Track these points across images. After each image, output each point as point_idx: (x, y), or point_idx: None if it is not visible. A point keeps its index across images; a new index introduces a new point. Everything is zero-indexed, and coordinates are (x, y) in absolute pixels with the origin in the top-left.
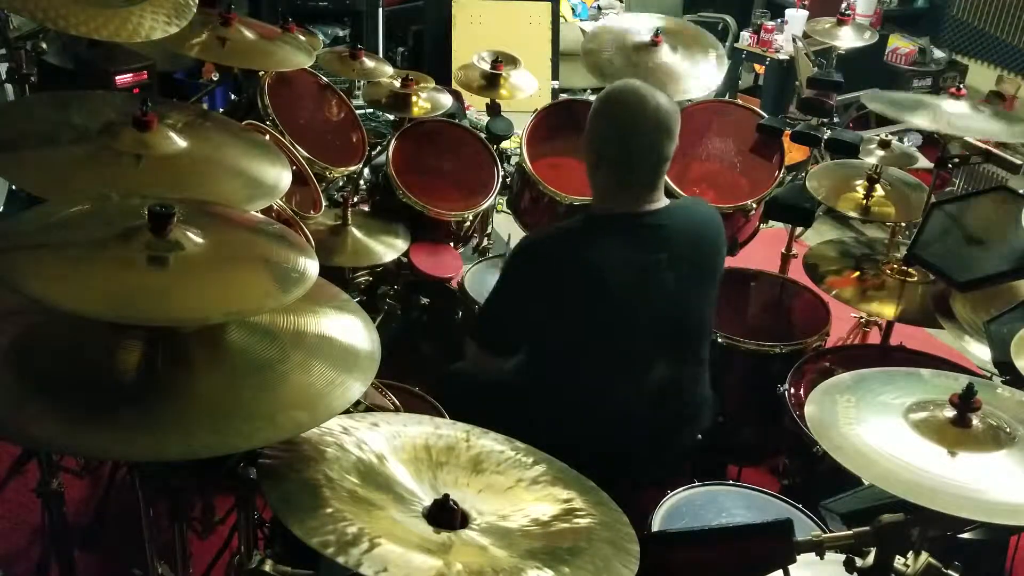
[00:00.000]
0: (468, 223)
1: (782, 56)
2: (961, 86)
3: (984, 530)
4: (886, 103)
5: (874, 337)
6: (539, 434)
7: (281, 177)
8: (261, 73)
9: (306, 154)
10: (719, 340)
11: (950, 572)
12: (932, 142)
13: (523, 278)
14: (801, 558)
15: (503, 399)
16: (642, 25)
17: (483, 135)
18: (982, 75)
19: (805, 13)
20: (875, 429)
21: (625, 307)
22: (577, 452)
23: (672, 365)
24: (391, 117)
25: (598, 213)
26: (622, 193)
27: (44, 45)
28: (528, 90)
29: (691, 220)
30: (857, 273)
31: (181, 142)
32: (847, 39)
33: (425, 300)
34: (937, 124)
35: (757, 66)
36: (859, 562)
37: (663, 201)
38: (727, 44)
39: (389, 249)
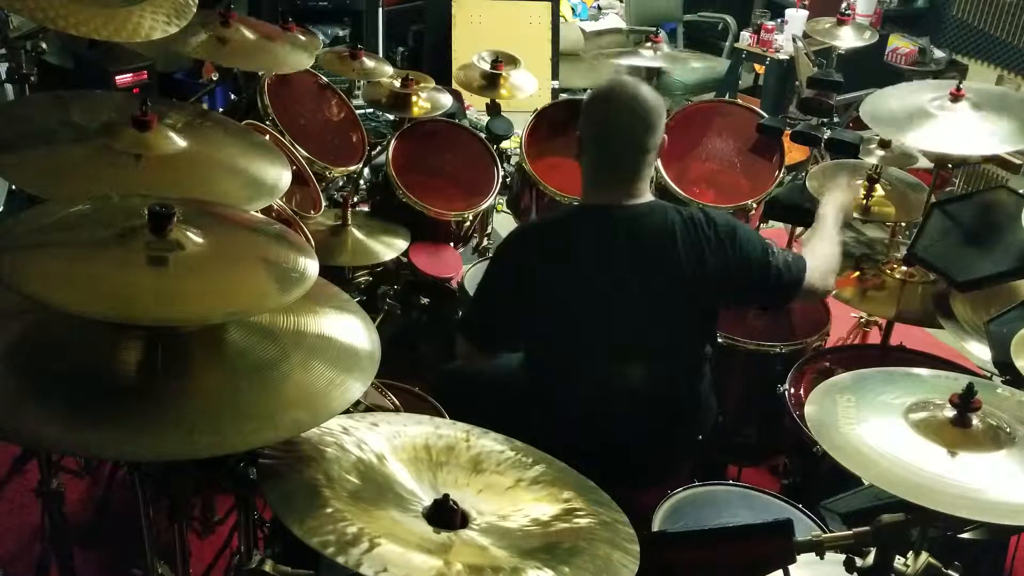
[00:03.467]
0: (468, 223)
1: (782, 56)
2: (961, 86)
3: (984, 530)
4: (885, 123)
5: (874, 337)
6: (536, 432)
7: (281, 177)
8: (261, 73)
9: (306, 154)
10: (719, 340)
11: (950, 572)
12: None
13: (501, 268)
14: (801, 558)
15: (501, 398)
16: None
17: (483, 135)
18: (982, 75)
19: (805, 13)
20: (875, 429)
21: (595, 301)
22: (567, 449)
23: (653, 363)
24: (391, 117)
25: (581, 204)
26: (602, 184)
27: (44, 45)
28: (528, 90)
29: (668, 220)
30: (857, 273)
31: (181, 142)
32: (847, 39)
33: (425, 300)
34: (935, 143)
35: (757, 66)
36: (859, 562)
37: (646, 197)
38: (727, 44)
39: (389, 249)
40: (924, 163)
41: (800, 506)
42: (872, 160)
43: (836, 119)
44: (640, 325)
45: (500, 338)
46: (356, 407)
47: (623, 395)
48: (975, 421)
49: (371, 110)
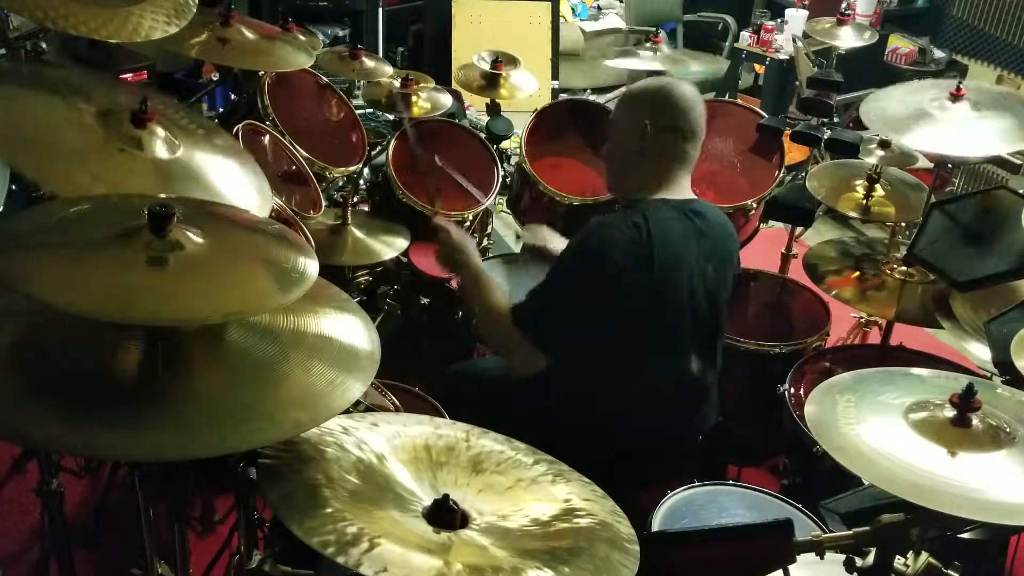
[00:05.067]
0: (468, 223)
1: (782, 56)
2: (961, 86)
3: (984, 530)
4: (885, 124)
5: (874, 337)
6: (542, 432)
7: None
8: (261, 73)
9: (306, 154)
10: None
11: (950, 572)
12: None
13: (588, 277)
14: (801, 558)
15: (504, 398)
16: None
17: (483, 135)
18: (982, 75)
19: (805, 13)
20: (875, 429)
21: (681, 302)
22: (585, 450)
23: (699, 362)
24: (391, 117)
25: (651, 200)
26: (673, 179)
27: (44, 45)
28: (528, 90)
29: (718, 214)
30: (857, 273)
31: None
32: (847, 39)
33: (425, 300)
34: (935, 144)
35: (757, 66)
36: (859, 562)
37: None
38: (727, 44)
39: (389, 249)
40: (924, 163)
41: (800, 506)
42: (872, 160)
43: (836, 119)
44: (703, 322)
45: (562, 340)
46: (356, 407)
47: (670, 391)
48: (975, 421)
49: (371, 110)
